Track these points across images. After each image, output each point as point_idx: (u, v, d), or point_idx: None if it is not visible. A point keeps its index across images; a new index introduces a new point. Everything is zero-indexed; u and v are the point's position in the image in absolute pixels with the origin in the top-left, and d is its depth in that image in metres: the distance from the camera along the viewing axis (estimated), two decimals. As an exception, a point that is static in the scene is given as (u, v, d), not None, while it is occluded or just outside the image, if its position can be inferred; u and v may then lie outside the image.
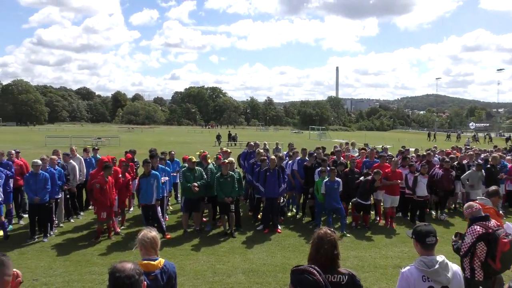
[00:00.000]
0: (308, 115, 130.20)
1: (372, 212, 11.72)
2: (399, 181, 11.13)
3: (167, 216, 11.20)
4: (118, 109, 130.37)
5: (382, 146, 16.77)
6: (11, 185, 10.26)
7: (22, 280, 2.67)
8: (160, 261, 3.62)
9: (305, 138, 61.28)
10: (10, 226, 10.05)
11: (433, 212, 12.51)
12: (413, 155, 14.54)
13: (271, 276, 7.44)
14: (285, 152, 14.54)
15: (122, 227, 10.52)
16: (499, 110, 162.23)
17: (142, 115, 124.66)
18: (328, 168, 10.71)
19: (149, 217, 9.61)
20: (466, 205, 5.32)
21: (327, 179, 10.30)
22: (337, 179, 10.38)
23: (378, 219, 11.61)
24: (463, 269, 4.85)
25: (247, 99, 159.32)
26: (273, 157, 10.96)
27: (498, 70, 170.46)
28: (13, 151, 11.32)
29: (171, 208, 12.65)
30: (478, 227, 4.87)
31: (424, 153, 14.06)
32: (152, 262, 3.54)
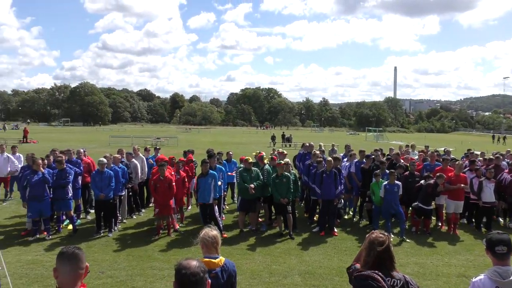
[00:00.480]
0: (364, 116, 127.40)
1: (433, 218, 11.25)
2: (463, 185, 10.61)
3: (223, 216, 11.39)
4: (176, 110, 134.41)
5: (444, 149, 16.07)
6: (80, 181, 10.88)
7: (89, 271, 2.82)
8: (221, 259, 3.67)
9: (361, 139, 60.02)
10: (78, 221, 10.65)
11: (501, 220, 11.81)
12: (480, 158, 13.79)
13: (328, 279, 7.35)
14: (341, 154, 14.32)
15: (181, 224, 10.82)
16: None
17: (199, 116, 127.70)
18: (387, 171, 10.43)
19: (206, 215, 9.83)
20: None
21: (386, 182, 10.02)
22: (397, 182, 10.07)
23: (440, 225, 11.13)
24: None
25: (302, 100, 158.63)
26: (330, 158, 10.81)
27: None
28: (82, 150, 12.01)
29: (227, 207, 12.86)
30: None
31: (492, 156, 13.29)
32: (213, 260, 3.60)
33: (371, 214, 10.94)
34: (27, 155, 11.02)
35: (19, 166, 12.75)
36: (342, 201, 11.07)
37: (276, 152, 12.97)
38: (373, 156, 11.83)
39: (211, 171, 10.00)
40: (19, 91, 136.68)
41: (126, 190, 10.97)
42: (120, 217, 10.70)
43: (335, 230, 10.33)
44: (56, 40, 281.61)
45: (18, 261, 7.89)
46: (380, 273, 2.72)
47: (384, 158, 12.52)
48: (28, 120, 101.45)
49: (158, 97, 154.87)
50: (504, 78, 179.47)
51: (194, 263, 2.54)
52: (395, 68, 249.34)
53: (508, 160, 13.23)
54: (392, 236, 9.73)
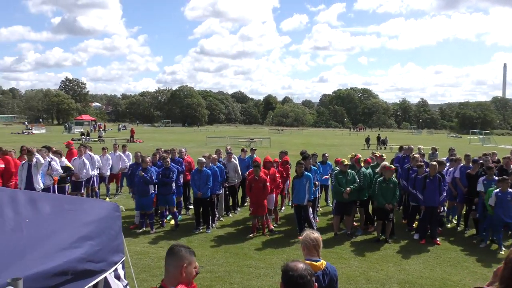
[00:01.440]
0: (468, 118, 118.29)
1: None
2: None
3: (317, 218, 11.31)
4: (269, 111, 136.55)
5: None
6: (181, 179, 11.52)
7: (198, 271, 2.99)
8: (322, 262, 3.64)
9: (465, 143, 55.81)
10: (180, 217, 11.28)
11: None
12: None
13: (430, 291, 6.94)
14: (444, 158, 13.45)
15: (275, 225, 10.95)
16: None
17: (291, 117, 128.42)
18: (495, 178, 9.58)
19: (301, 217, 9.84)
20: None
21: (498, 189, 9.19)
22: (510, 190, 9.17)
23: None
24: None
25: (398, 101, 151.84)
26: (434, 163, 10.20)
27: None
28: (183, 149, 12.71)
29: (321, 210, 12.74)
30: None
31: None
32: (315, 263, 3.57)
33: (478, 224, 10.12)
34: (136, 154, 11.95)
35: (128, 163, 13.90)
36: (445, 208, 10.35)
37: (372, 155, 12.56)
38: (481, 161, 10.92)
39: (306, 172, 9.98)
40: (126, 94, 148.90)
41: (223, 189, 11.37)
42: (217, 215, 11.12)
43: (437, 239, 9.72)
44: (159, 47, 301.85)
45: (128, 251, 8.54)
46: None
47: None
48: (137, 122, 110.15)
49: (252, 99, 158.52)
50: None
51: (301, 265, 2.55)
52: (505, 65, 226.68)
53: None
54: (503, 249, 8.89)
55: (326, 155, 13.25)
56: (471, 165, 10.87)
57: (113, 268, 3.39)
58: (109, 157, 14.09)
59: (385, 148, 41.01)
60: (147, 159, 10.43)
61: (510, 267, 2.87)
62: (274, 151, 19.36)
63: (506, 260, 2.94)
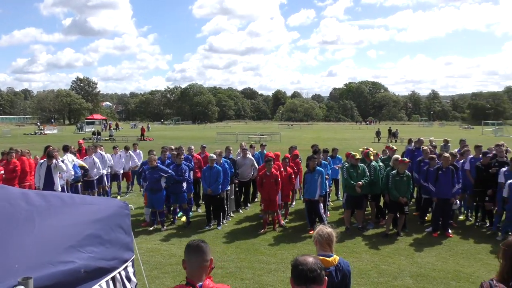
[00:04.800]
0: (480, 109, 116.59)
1: None
2: None
3: (328, 212, 11.28)
4: (278, 106, 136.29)
5: None
6: (192, 176, 11.55)
7: (213, 266, 2.98)
8: (335, 258, 3.62)
9: (477, 134, 55.12)
10: (191, 213, 11.32)
11: None
12: None
13: (443, 284, 6.88)
14: (456, 150, 13.31)
15: (286, 220, 10.94)
16: None
17: (300, 112, 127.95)
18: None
19: (312, 212, 9.82)
20: None
21: (510, 180, 9.06)
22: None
23: None
24: None
25: (408, 93, 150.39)
26: (447, 154, 10.09)
27: None
28: (192, 147, 12.75)
29: (332, 204, 12.69)
30: None
31: None
32: (327, 259, 3.56)
33: (492, 216, 10.01)
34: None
35: (139, 162, 13.98)
36: (458, 201, 10.23)
37: (386, 148, 12.48)
38: (494, 152, 10.76)
39: (318, 167, 9.95)
40: (135, 93, 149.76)
41: (233, 185, 11.37)
42: (228, 211, 11.14)
43: (450, 231, 9.63)
44: (168, 45, 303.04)
45: (140, 248, 8.63)
46: None
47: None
48: (149, 123, 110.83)
49: (261, 95, 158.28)
50: None
51: (311, 259, 2.54)
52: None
53: None
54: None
55: (337, 149, 13.19)
56: (480, 156, 10.71)
57: (124, 266, 3.41)
58: (121, 155, 14.20)
59: (396, 141, 40.69)
60: (153, 157, 10.43)
61: (506, 257, 2.86)
62: (284, 146, 19.28)
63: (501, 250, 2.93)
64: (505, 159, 10.40)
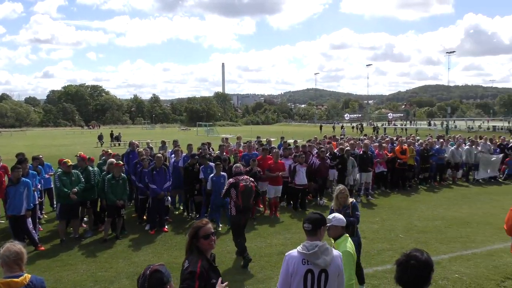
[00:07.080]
0: (195, 112, 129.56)
1: (262, 206, 12.10)
2: (281, 173, 11.61)
3: (40, 226, 10.27)
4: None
5: (266, 139, 17.43)
6: None
7: None
8: (25, 277, 3.29)
9: (193, 134, 61.00)
10: None
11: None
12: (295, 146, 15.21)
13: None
14: (169, 150, 14.36)
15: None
16: (369, 101, 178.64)
17: (11, 117, 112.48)
18: (212, 164, 10.80)
19: (18, 229, 8.70)
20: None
21: (212, 174, 10.38)
22: (222, 173, 10.40)
23: (263, 210, 11.98)
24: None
25: (130, 97, 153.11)
26: (159, 155, 10.78)
27: (367, 65, 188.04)
28: None
29: (45, 216, 11.60)
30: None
31: (305, 143, 14.88)
32: (15, 280, 3.24)
33: (200, 207, 11.18)
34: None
35: None
36: (169, 198, 10.97)
37: (102, 153, 12.33)
38: (200, 152, 12.06)
39: (23, 178, 8.87)
40: None
41: None
42: None
43: (166, 226, 10.28)
44: None
45: None
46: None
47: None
48: None
49: None
50: (315, 74, 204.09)
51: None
52: (223, 64, 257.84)
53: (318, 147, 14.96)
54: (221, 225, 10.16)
55: (41, 156, 11.79)
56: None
57: None
58: None
59: (119, 144, 40.86)
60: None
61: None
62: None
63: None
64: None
